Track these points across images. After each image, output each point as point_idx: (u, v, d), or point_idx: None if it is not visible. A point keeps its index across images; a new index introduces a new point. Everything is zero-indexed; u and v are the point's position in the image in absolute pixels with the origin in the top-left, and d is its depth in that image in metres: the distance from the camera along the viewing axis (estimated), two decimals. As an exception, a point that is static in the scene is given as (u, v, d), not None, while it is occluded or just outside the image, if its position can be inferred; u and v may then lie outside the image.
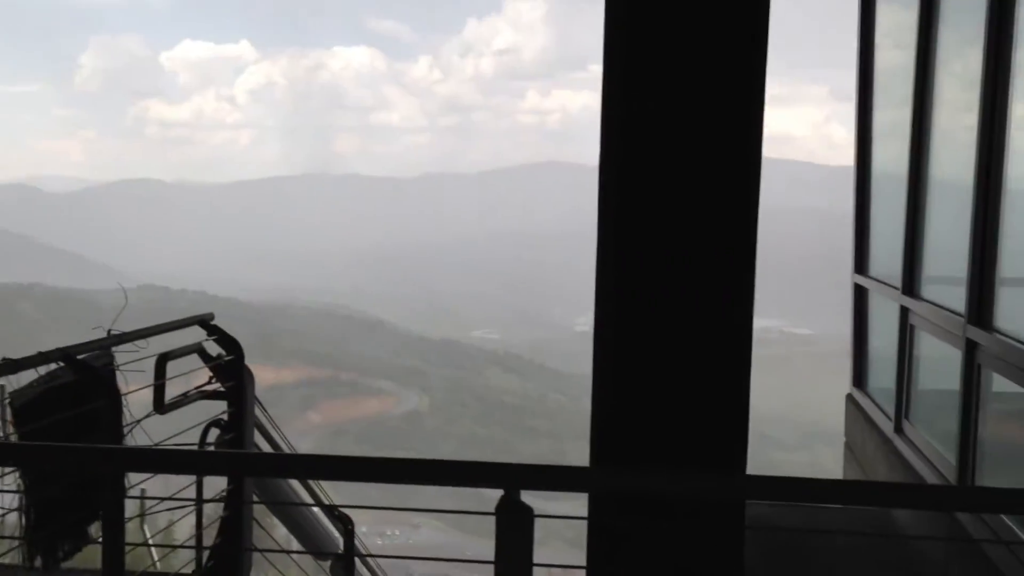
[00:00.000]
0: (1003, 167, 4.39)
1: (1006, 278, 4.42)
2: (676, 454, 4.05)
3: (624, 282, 4.08)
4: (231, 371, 4.40)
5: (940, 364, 5.19)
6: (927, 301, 5.52)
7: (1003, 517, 4.03)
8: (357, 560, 6.02)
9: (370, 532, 50.09)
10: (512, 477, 2.35)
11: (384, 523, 53.07)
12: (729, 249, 4.02)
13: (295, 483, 5.55)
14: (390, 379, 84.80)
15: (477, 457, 3.95)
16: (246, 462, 3.43)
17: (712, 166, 3.89)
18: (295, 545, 6.24)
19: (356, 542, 5.51)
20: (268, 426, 4.91)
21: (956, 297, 4.80)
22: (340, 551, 5.39)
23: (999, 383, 4.45)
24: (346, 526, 5.24)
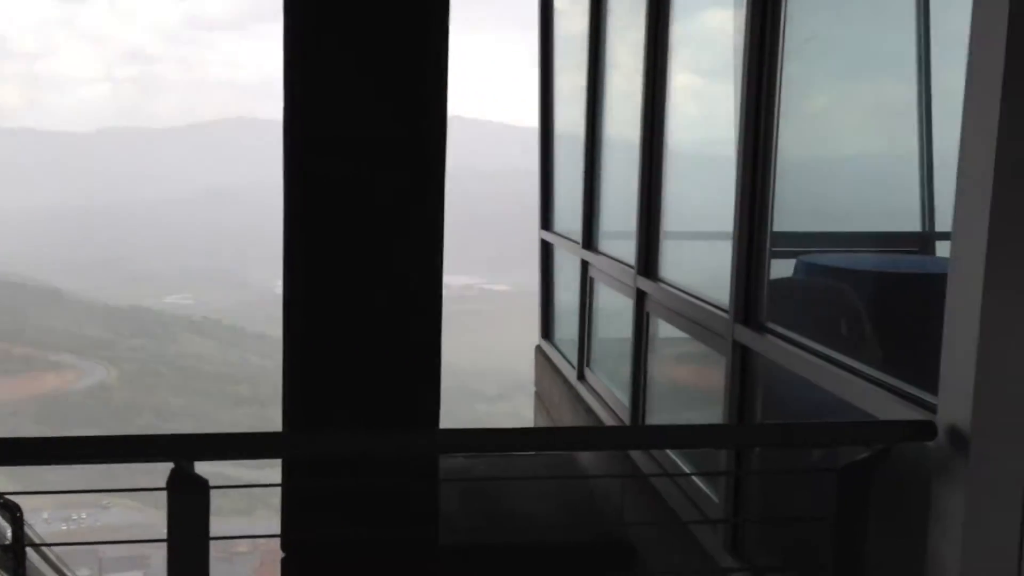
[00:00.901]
0: (664, 130, 4.76)
1: (669, 232, 4.82)
2: (370, 414, 4.06)
3: (312, 244, 4.00)
4: None
5: (616, 314, 5.57)
6: (604, 254, 5.91)
7: (668, 452, 4.42)
8: (29, 550, 5.52)
9: (54, 518, 46.21)
10: (182, 448, 2.23)
11: (70, 507, 49.23)
12: (417, 209, 4.05)
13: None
14: (72, 352, 78.31)
15: (175, 429, 3.72)
16: None
17: (396, 125, 3.89)
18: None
19: (27, 530, 5.04)
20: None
21: (628, 250, 5.17)
22: (7, 542, 4.90)
23: (664, 329, 4.86)
24: (14, 514, 4.77)
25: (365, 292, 4.05)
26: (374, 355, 4.08)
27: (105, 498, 51.07)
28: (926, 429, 2.20)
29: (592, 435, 3.70)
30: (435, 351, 4.12)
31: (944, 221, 3.19)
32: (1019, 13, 2.05)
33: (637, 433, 3.82)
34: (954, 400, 2.14)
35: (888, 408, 2.53)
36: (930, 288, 2.58)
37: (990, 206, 2.08)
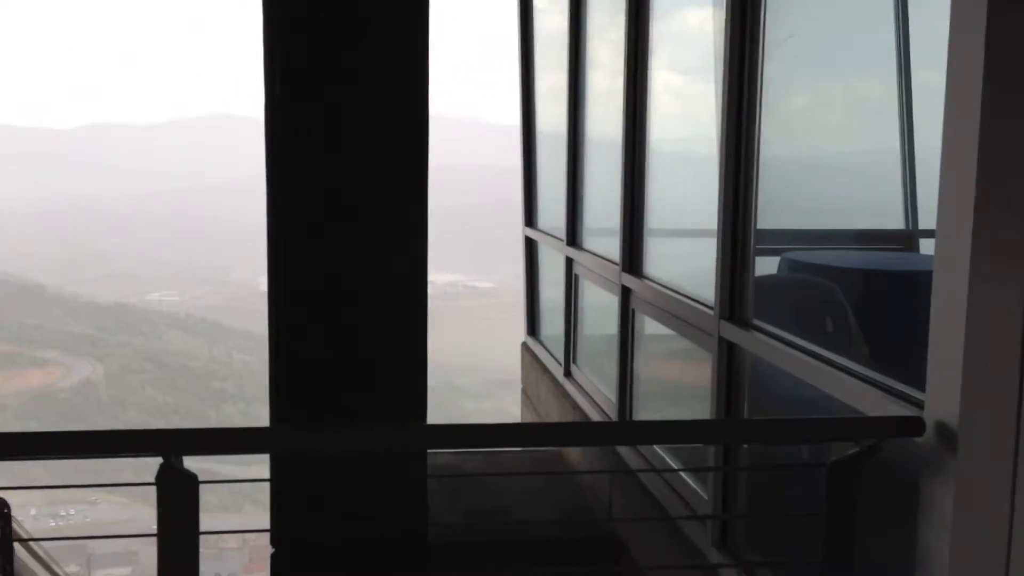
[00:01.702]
0: (646, 128, 4.76)
1: (653, 229, 4.83)
2: (357, 409, 4.06)
3: (295, 240, 3.99)
4: None
5: (601, 311, 5.58)
6: (588, 251, 5.91)
7: (656, 448, 4.43)
8: (17, 545, 5.51)
9: (41, 514, 46.11)
10: (170, 443, 2.22)
11: (57, 503, 49.04)
12: (400, 206, 4.05)
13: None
14: (57, 348, 77.86)
15: (162, 426, 3.71)
16: None
17: (377, 122, 3.88)
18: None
19: (15, 526, 5.03)
20: None
21: (612, 247, 5.18)
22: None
23: (650, 326, 4.87)
24: (1, 510, 4.75)
25: (350, 288, 4.05)
26: (360, 351, 4.08)
27: (93, 494, 50.94)
28: (914, 425, 2.21)
29: (580, 431, 3.70)
30: (421, 347, 4.12)
31: (926, 219, 3.22)
32: (998, 10, 2.06)
33: (625, 429, 3.82)
34: (941, 396, 2.16)
35: (875, 404, 2.54)
36: (914, 285, 2.60)
37: (973, 203, 2.09)
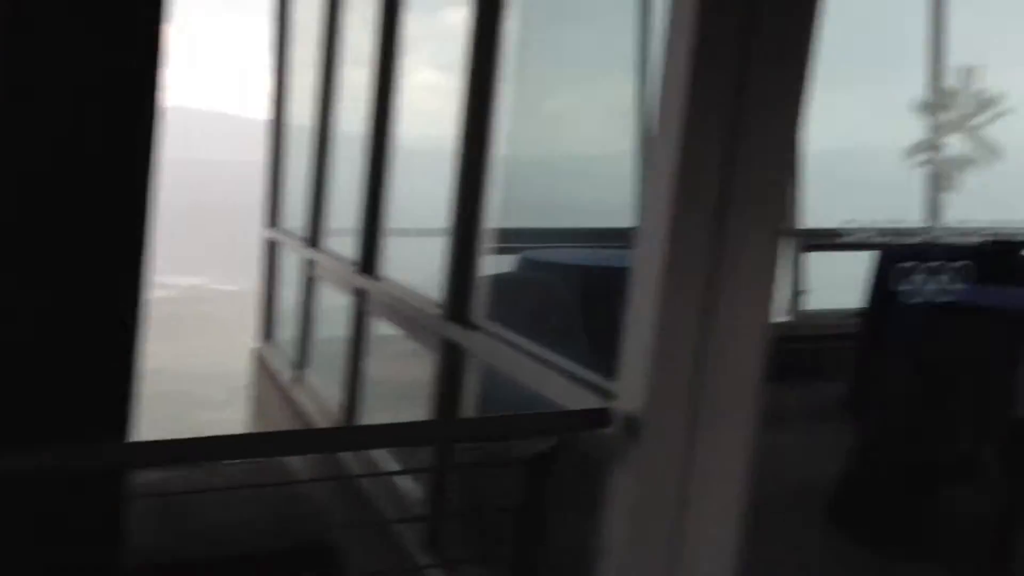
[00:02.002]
0: (391, 125, 4.70)
1: (393, 229, 4.76)
2: (54, 427, 3.68)
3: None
4: None
5: (336, 314, 5.44)
6: (327, 253, 5.76)
7: (374, 452, 4.34)
8: None
9: None
10: None
11: None
12: (118, 204, 3.73)
13: None
14: None
15: None
16: None
17: (99, 116, 3.57)
18: None
19: None
20: None
21: (351, 248, 5.06)
22: None
23: (383, 328, 4.79)
24: None
25: (42, 298, 3.68)
26: (56, 362, 3.71)
27: None
28: (602, 417, 2.25)
29: (303, 439, 3.53)
30: (129, 358, 3.80)
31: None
32: (705, 20, 2.14)
33: (336, 435, 3.71)
34: (630, 389, 2.20)
35: (582, 400, 2.57)
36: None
37: (670, 205, 2.15)
